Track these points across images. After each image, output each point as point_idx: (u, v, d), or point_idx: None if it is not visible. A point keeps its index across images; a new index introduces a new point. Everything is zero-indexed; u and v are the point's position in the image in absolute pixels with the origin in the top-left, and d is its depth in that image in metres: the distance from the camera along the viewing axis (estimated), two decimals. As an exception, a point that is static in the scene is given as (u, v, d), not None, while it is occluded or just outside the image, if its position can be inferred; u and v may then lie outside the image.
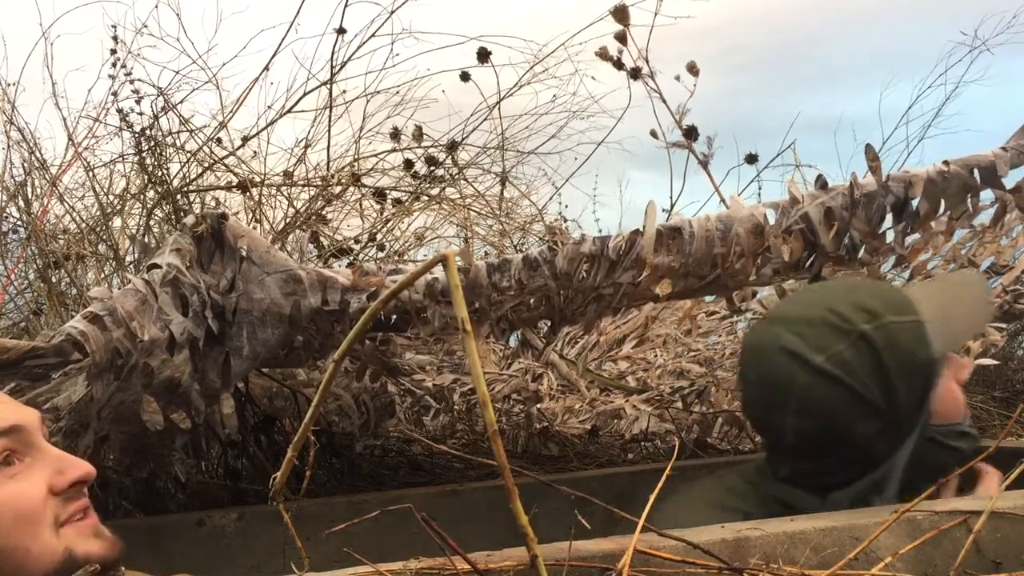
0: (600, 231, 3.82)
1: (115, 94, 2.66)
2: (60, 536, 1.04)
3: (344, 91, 2.75)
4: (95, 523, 1.07)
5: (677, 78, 2.34)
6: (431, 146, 2.85)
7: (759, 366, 1.37)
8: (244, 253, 1.40)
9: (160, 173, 2.52)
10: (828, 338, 1.31)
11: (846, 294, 1.39)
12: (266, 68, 2.62)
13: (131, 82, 2.61)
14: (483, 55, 2.67)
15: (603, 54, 2.29)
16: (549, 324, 1.71)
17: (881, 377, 1.31)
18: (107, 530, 1.08)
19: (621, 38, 2.23)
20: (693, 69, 2.30)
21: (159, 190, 2.47)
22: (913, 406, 1.33)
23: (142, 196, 2.62)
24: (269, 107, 2.72)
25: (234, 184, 2.58)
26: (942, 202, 1.61)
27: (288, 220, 2.66)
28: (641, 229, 1.49)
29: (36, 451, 1.05)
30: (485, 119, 2.90)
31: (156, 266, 1.37)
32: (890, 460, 1.32)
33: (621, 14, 2.20)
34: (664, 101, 2.36)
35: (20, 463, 1.04)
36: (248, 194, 2.57)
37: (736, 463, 1.86)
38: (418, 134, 2.84)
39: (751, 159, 2.76)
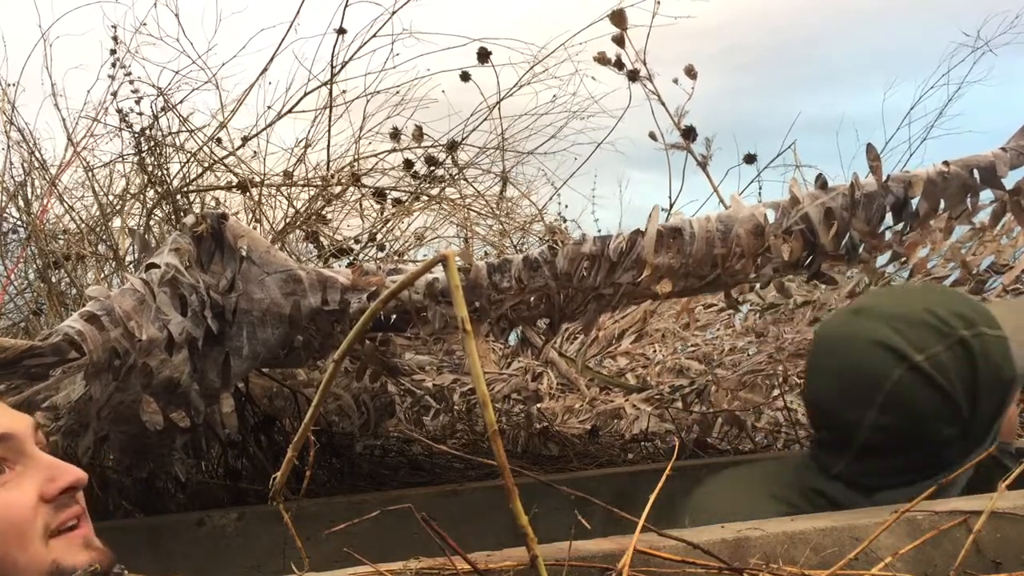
0: (599, 231, 3.82)
1: (114, 94, 2.66)
2: (49, 547, 1.03)
3: (344, 91, 2.74)
4: (86, 533, 1.06)
5: (675, 81, 2.34)
6: (431, 146, 2.84)
7: (844, 357, 1.36)
8: (244, 253, 1.40)
9: (160, 173, 2.52)
10: (928, 338, 1.32)
11: (941, 297, 1.41)
12: (266, 68, 2.62)
13: (131, 82, 2.61)
14: (483, 55, 2.67)
15: (601, 58, 2.29)
16: (548, 322, 1.71)
17: (971, 384, 1.32)
18: (98, 541, 1.07)
19: (619, 41, 2.23)
20: (691, 72, 2.30)
21: (159, 190, 2.47)
22: (989, 419, 1.34)
23: (142, 196, 2.62)
24: (269, 107, 2.72)
25: (234, 184, 2.58)
26: (941, 202, 1.61)
27: (288, 220, 2.66)
28: (642, 230, 1.49)
29: (27, 459, 1.05)
30: (485, 119, 2.90)
31: (154, 266, 1.37)
32: (952, 469, 1.29)
33: (619, 17, 2.20)
34: (662, 103, 2.36)
35: (11, 471, 1.03)
36: (248, 194, 2.57)
37: (741, 462, 1.86)
38: (418, 134, 2.84)
39: (750, 159, 2.76)
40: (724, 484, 1.48)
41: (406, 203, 2.86)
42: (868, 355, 1.33)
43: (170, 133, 2.59)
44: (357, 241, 2.77)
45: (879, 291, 1.64)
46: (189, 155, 2.56)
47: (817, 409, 1.45)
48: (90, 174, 2.78)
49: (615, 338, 2.77)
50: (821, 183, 1.57)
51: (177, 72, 2.62)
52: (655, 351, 2.75)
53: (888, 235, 1.63)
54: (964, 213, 1.67)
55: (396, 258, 2.95)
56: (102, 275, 2.67)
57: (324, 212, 2.70)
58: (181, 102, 2.63)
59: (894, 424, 1.32)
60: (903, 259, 1.80)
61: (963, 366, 1.32)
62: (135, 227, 2.51)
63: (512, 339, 1.79)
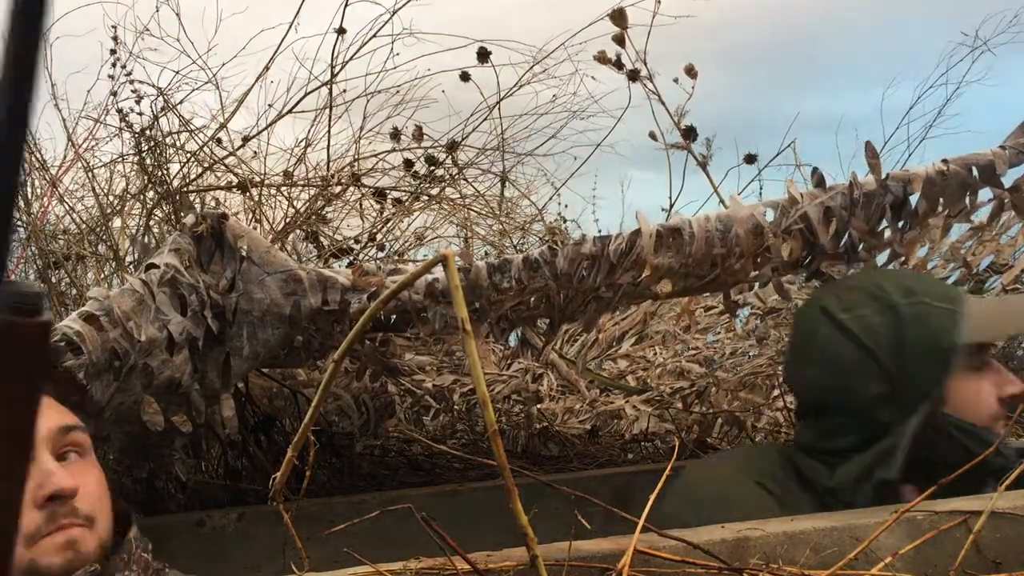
0: (600, 231, 3.82)
1: (115, 94, 2.66)
2: (31, 549, 1.08)
3: (344, 91, 2.75)
4: (71, 537, 1.10)
5: (676, 80, 2.34)
6: (431, 146, 2.84)
7: (796, 324, 1.54)
8: (244, 253, 1.40)
9: (160, 173, 2.52)
10: (859, 301, 1.43)
11: (901, 276, 1.51)
12: (266, 68, 2.62)
13: (131, 83, 2.61)
14: (483, 55, 2.67)
15: (602, 58, 2.29)
16: (548, 323, 1.71)
17: (898, 346, 1.39)
18: (91, 544, 1.11)
19: (619, 40, 2.23)
20: (692, 71, 2.30)
21: (159, 190, 2.47)
22: (926, 383, 1.38)
23: (142, 196, 2.62)
24: (269, 107, 2.72)
25: (234, 184, 2.58)
26: (940, 200, 1.61)
27: (288, 220, 2.66)
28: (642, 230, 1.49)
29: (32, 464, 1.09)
30: (485, 119, 2.90)
31: (154, 266, 1.37)
32: (896, 431, 1.37)
33: (619, 17, 2.19)
34: (663, 103, 2.35)
35: None
36: (248, 194, 2.57)
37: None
38: (418, 134, 2.84)
39: (750, 159, 2.76)
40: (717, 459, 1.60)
41: (406, 203, 2.86)
42: (808, 317, 1.49)
43: (170, 133, 2.59)
44: (357, 241, 2.77)
45: (859, 271, 1.68)
46: (189, 155, 2.56)
47: (785, 376, 1.62)
48: (90, 174, 2.78)
49: (615, 340, 2.77)
50: (818, 179, 1.57)
51: (177, 72, 2.62)
52: (655, 354, 2.75)
53: (887, 234, 1.63)
54: (963, 211, 1.67)
55: (396, 258, 2.95)
56: (102, 275, 2.67)
57: (324, 212, 2.70)
58: (181, 102, 2.63)
59: (824, 379, 1.42)
60: (903, 259, 1.79)
61: (890, 328, 1.40)
62: (135, 233, 2.51)
63: (512, 340, 1.79)
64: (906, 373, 1.38)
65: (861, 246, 1.62)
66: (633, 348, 2.74)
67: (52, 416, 1.15)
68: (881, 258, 1.84)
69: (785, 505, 1.35)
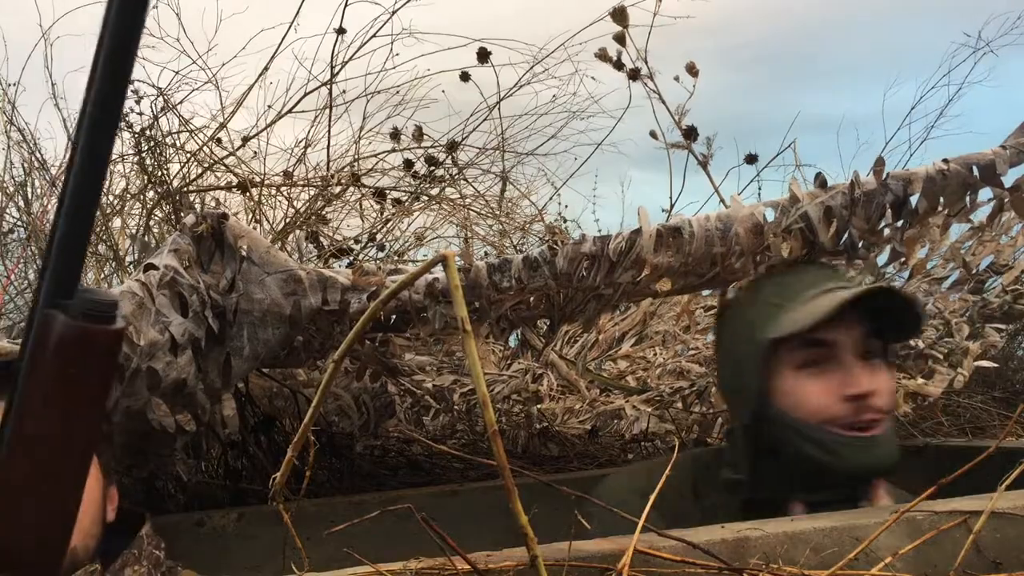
0: (600, 231, 3.82)
1: (115, 94, 2.65)
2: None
3: (344, 91, 2.75)
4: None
5: (676, 79, 2.34)
6: (431, 146, 2.85)
7: None
8: (244, 253, 1.40)
9: (160, 173, 2.52)
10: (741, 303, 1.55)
11: (798, 275, 1.51)
12: (266, 68, 2.62)
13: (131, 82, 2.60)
14: (483, 55, 2.67)
15: (602, 55, 2.28)
16: (548, 323, 1.71)
17: (720, 347, 1.57)
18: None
19: (620, 39, 2.23)
20: (692, 70, 2.30)
21: (159, 190, 2.47)
22: (748, 379, 1.43)
23: (142, 196, 2.62)
24: (269, 107, 2.72)
25: (234, 184, 2.58)
26: (941, 200, 1.61)
27: (288, 220, 2.66)
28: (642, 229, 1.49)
29: None
30: (485, 119, 2.90)
31: (152, 267, 1.36)
32: (736, 429, 1.47)
33: (620, 15, 2.19)
34: (663, 102, 2.36)
35: None
36: (248, 194, 2.57)
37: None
38: (418, 134, 2.84)
39: (751, 159, 2.76)
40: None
41: (406, 203, 2.86)
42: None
43: (170, 133, 2.59)
44: (357, 241, 2.78)
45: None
46: (189, 155, 2.56)
47: None
48: (90, 174, 2.77)
49: (615, 340, 2.77)
50: (820, 182, 1.57)
51: (177, 72, 2.62)
52: (655, 354, 2.75)
53: (887, 232, 1.64)
54: (962, 211, 1.67)
55: (396, 258, 2.95)
56: (102, 275, 2.67)
57: (324, 212, 2.70)
58: (181, 102, 2.63)
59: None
60: (903, 259, 1.80)
61: (718, 332, 1.60)
62: (136, 233, 2.51)
63: (512, 341, 1.79)
64: (731, 371, 1.49)
65: (861, 244, 1.62)
66: (633, 348, 2.74)
67: None
68: (881, 258, 1.84)
69: (665, 516, 1.31)
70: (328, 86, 2.61)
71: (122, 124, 2.62)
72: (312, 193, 2.69)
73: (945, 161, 1.58)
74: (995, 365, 2.39)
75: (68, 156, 0.86)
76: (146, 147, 2.54)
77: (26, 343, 0.82)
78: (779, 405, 1.40)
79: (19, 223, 2.90)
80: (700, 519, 1.31)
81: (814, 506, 1.33)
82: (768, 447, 1.41)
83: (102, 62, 0.78)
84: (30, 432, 0.83)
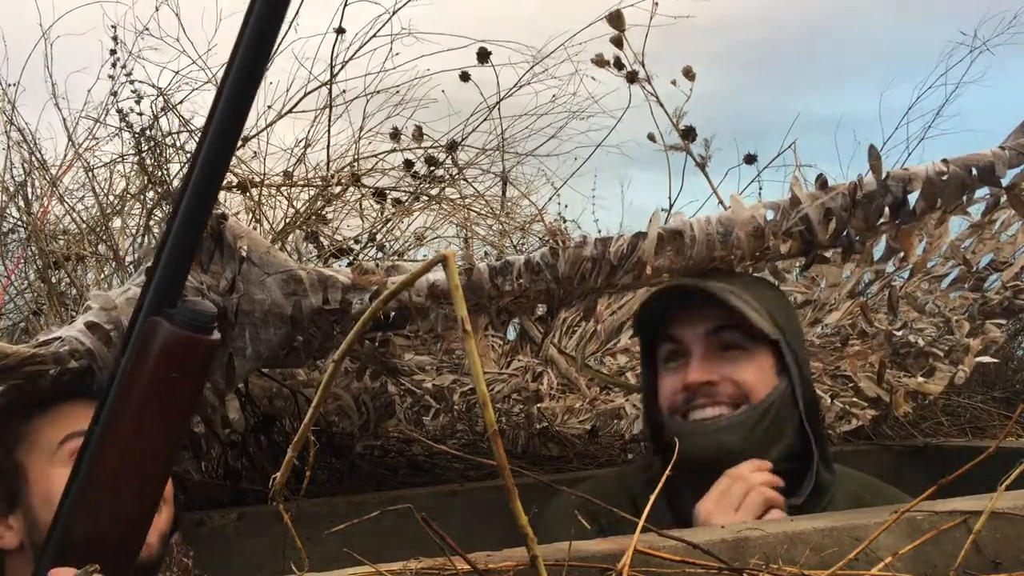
0: (599, 231, 3.83)
1: (115, 94, 2.66)
2: None
3: (344, 91, 2.75)
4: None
5: (674, 83, 2.34)
6: (431, 146, 2.85)
7: None
8: (244, 254, 1.40)
9: (160, 173, 2.52)
10: None
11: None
12: (266, 68, 2.61)
13: (131, 82, 2.61)
14: (483, 55, 2.68)
15: (599, 61, 2.29)
16: (547, 309, 1.71)
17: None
18: None
19: (617, 43, 2.23)
20: (689, 73, 2.30)
21: (159, 190, 2.47)
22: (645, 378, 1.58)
23: (142, 196, 2.62)
24: (269, 107, 2.72)
25: (234, 184, 2.58)
26: (938, 201, 1.61)
27: (288, 220, 2.66)
28: (644, 232, 1.49)
29: None
30: (485, 119, 2.90)
31: (155, 268, 1.36)
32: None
33: (616, 19, 2.19)
34: (661, 104, 2.35)
35: None
36: (248, 194, 2.57)
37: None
38: (418, 134, 2.84)
39: (750, 160, 2.76)
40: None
41: (406, 203, 2.86)
42: None
43: (170, 133, 2.59)
44: (357, 241, 2.78)
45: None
46: (189, 155, 2.56)
47: None
48: (90, 174, 2.78)
49: (614, 331, 2.75)
50: (821, 183, 1.57)
51: (177, 72, 2.62)
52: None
53: (883, 227, 1.64)
54: (958, 207, 1.68)
55: (396, 258, 2.95)
56: (102, 275, 2.67)
57: (324, 212, 2.70)
58: (181, 102, 2.63)
59: None
60: (902, 256, 1.80)
61: None
62: (136, 233, 2.51)
63: (511, 335, 1.80)
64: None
65: (857, 239, 1.62)
66: (632, 340, 2.72)
67: (80, 420, 1.21)
68: (877, 251, 1.85)
69: (603, 520, 1.31)
70: (328, 86, 2.62)
71: (122, 124, 2.63)
72: (312, 193, 2.69)
73: (945, 162, 1.58)
74: (996, 361, 2.40)
75: (186, 170, 0.89)
76: (146, 147, 2.54)
77: (125, 346, 0.85)
78: (660, 402, 1.52)
79: (19, 223, 2.89)
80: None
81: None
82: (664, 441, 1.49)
83: (226, 93, 0.81)
84: (125, 432, 0.86)
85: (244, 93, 0.85)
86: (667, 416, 1.49)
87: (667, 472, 1.01)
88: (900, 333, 2.19)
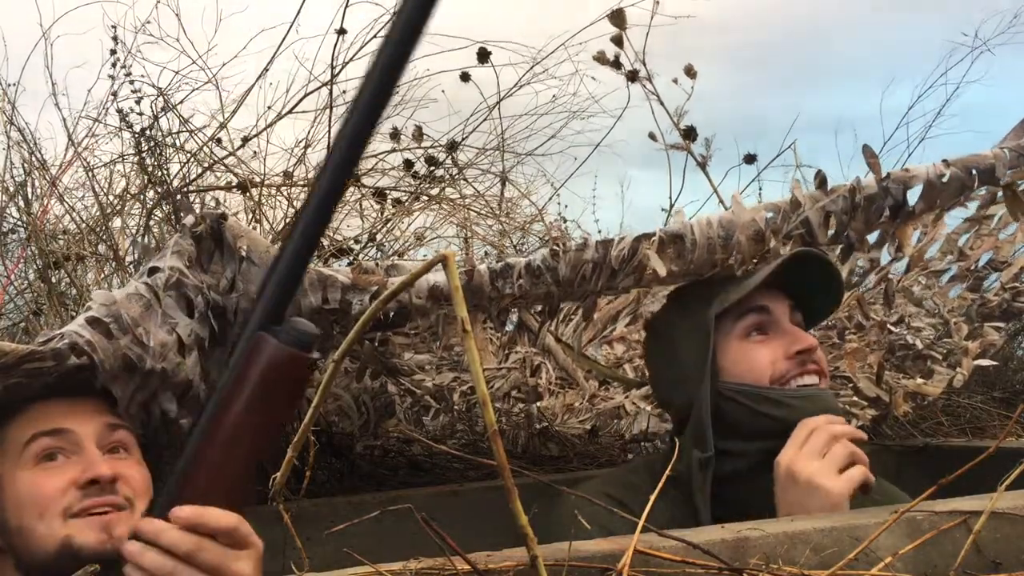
0: (600, 231, 3.82)
1: (115, 94, 2.66)
2: (66, 525, 1.18)
3: (344, 91, 2.74)
4: (110, 520, 1.20)
5: (675, 81, 2.34)
6: (431, 146, 2.85)
7: None
8: (244, 253, 1.40)
9: (160, 173, 2.52)
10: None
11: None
12: (266, 68, 2.62)
13: (131, 82, 2.61)
14: (483, 55, 2.67)
15: (600, 58, 2.28)
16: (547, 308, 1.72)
17: (668, 327, 1.57)
18: (122, 531, 1.18)
19: (618, 41, 2.23)
20: (691, 72, 2.30)
21: (159, 190, 2.48)
22: (697, 360, 1.48)
23: (142, 196, 2.62)
24: (269, 107, 2.72)
25: (234, 184, 2.58)
26: (937, 202, 1.62)
27: (288, 220, 2.65)
28: (646, 233, 1.49)
29: (81, 452, 1.24)
30: (485, 119, 2.90)
31: (156, 269, 1.36)
32: (693, 411, 1.46)
33: (618, 17, 2.19)
34: (662, 103, 2.35)
35: (65, 459, 1.23)
36: (248, 194, 2.57)
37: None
38: (418, 134, 2.84)
39: (750, 159, 2.76)
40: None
41: (406, 203, 2.86)
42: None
43: (170, 133, 2.59)
44: (357, 241, 2.77)
45: None
46: (189, 155, 2.56)
47: None
48: (90, 174, 2.78)
49: (610, 320, 2.74)
50: (820, 180, 1.56)
51: (177, 72, 2.62)
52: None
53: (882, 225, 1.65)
54: (956, 203, 1.69)
55: (395, 258, 2.95)
56: (102, 275, 2.67)
57: (324, 212, 2.69)
58: (181, 102, 2.63)
59: (651, 378, 1.71)
60: (898, 249, 1.82)
61: (649, 345, 1.67)
62: (136, 233, 2.51)
63: (509, 326, 1.81)
64: (672, 369, 1.52)
65: (856, 242, 1.63)
66: (628, 329, 2.71)
67: (89, 417, 1.27)
68: (871, 239, 1.85)
69: (630, 506, 1.33)
70: (328, 86, 2.61)
71: (122, 124, 2.63)
72: (312, 193, 2.68)
73: (945, 163, 1.58)
74: (995, 363, 2.39)
75: (307, 196, 0.93)
76: (146, 147, 2.54)
77: (231, 356, 0.89)
78: (729, 377, 1.47)
79: (19, 223, 2.90)
80: (670, 514, 1.36)
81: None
82: (725, 420, 1.45)
83: (352, 122, 0.84)
84: (227, 435, 0.91)
85: (372, 119, 0.88)
86: (764, 388, 1.45)
87: (667, 472, 1.01)
88: (897, 330, 2.19)
